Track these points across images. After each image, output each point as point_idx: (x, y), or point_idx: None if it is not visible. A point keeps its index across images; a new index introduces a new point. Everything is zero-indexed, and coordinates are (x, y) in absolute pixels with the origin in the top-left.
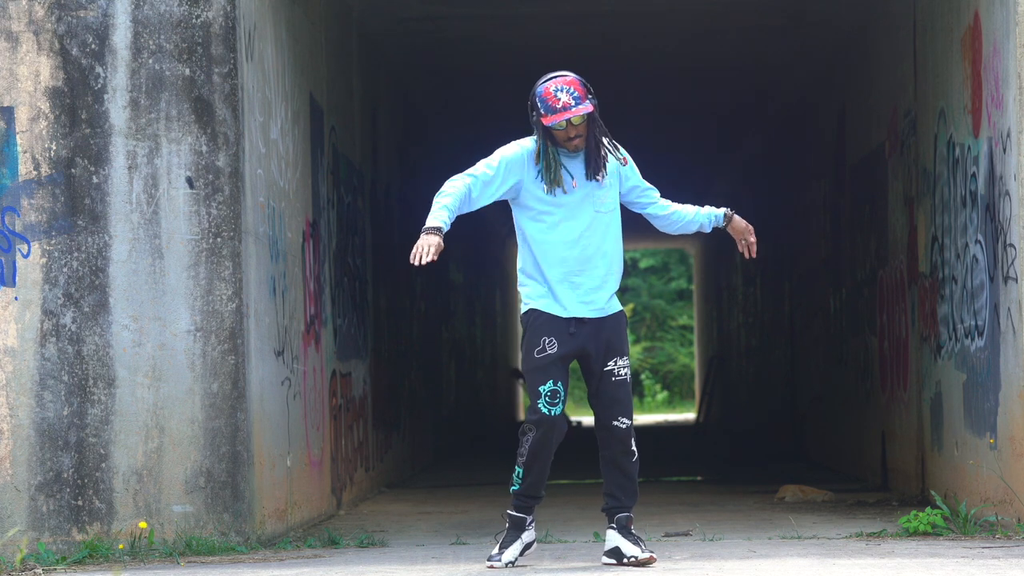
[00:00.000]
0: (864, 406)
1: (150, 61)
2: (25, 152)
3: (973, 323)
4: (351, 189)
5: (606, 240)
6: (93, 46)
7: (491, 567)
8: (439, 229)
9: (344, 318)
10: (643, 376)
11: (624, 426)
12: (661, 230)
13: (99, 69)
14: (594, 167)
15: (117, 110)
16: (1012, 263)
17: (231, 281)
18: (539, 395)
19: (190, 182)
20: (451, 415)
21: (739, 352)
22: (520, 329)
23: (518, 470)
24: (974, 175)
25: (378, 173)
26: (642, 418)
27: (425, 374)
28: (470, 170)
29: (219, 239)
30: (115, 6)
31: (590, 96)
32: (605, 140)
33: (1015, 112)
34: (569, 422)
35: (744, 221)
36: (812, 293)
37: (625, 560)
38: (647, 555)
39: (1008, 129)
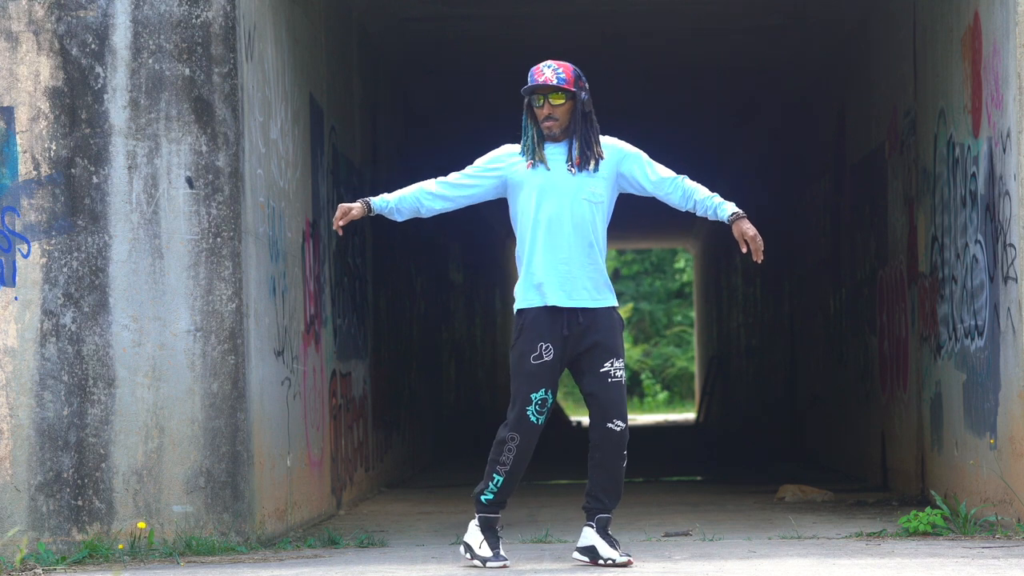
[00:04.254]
0: (864, 406)
1: (150, 61)
2: (25, 152)
3: (973, 323)
4: (351, 189)
5: (596, 231)
6: (93, 46)
7: (504, 566)
8: (368, 204)
9: (344, 318)
10: (643, 376)
11: (619, 429)
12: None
13: (99, 69)
14: (573, 159)
15: (117, 110)
16: (1012, 263)
17: (231, 281)
18: (529, 402)
19: (190, 182)
20: (451, 415)
21: (739, 352)
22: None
23: (497, 479)
24: (974, 175)
25: (378, 173)
26: (642, 418)
27: (425, 374)
28: (447, 176)
29: (219, 239)
30: (115, 6)
31: (581, 88)
32: (592, 136)
33: (1015, 112)
34: (570, 422)
35: (750, 228)
36: (812, 293)
37: (601, 562)
38: (625, 559)
39: (1008, 129)
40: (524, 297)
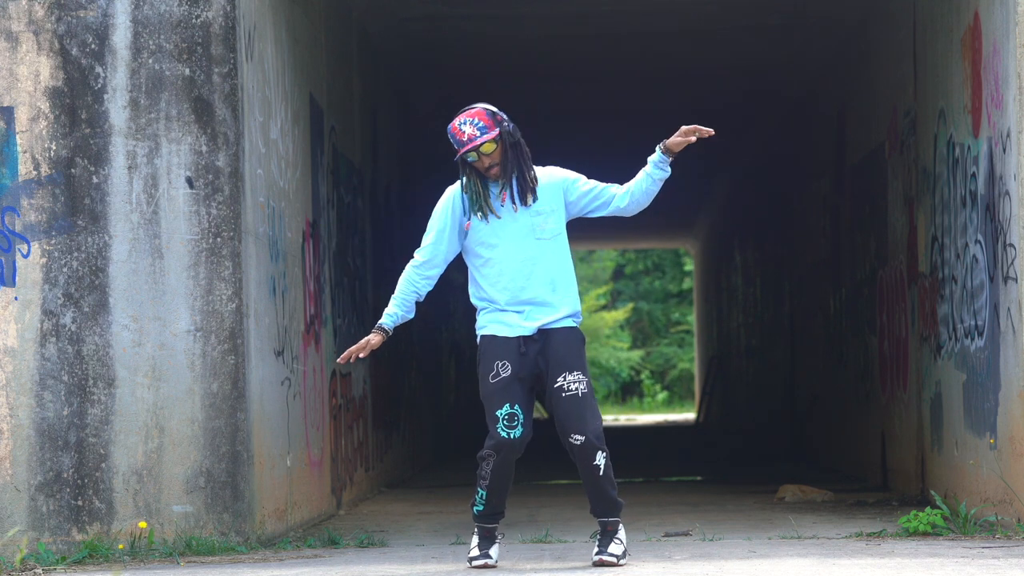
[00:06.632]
0: (864, 406)
1: (150, 61)
2: (25, 152)
3: (973, 323)
4: (351, 189)
5: (550, 265)
6: (93, 46)
7: (486, 565)
8: (384, 330)
9: (344, 318)
10: (643, 376)
11: (578, 442)
12: (634, 212)
13: (99, 69)
14: (521, 192)
15: (117, 110)
16: (1012, 263)
17: (231, 281)
18: (496, 419)
19: (190, 182)
20: (451, 415)
21: (739, 352)
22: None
23: (481, 492)
24: (974, 175)
25: (378, 173)
26: (642, 418)
27: (425, 374)
28: (417, 256)
29: (219, 239)
30: (115, 6)
31: (501, 123)
32: (524, 165)
33: (1015, 112)
34: None
35: (679, 138)
36: (812, 293)
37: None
38: (597, 558)
39: (1008, 129)
40: (482, 328)
